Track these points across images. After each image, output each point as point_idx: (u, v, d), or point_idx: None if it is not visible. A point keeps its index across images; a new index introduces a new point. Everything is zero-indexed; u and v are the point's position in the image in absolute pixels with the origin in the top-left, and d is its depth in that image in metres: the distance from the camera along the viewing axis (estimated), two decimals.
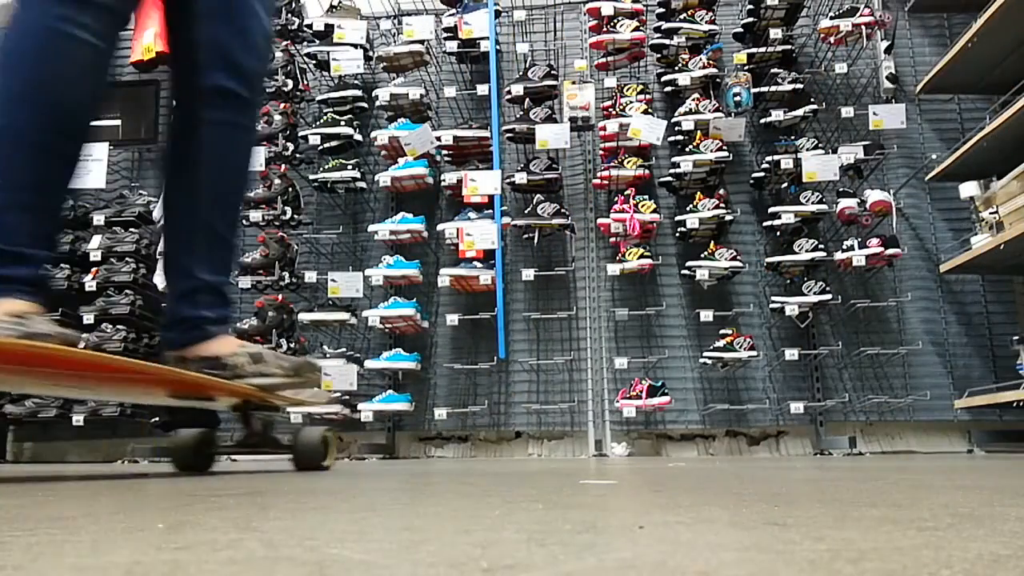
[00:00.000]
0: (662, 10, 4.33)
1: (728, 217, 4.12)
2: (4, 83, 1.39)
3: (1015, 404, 3.55)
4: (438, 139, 4.30)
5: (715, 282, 4.17)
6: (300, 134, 4.50)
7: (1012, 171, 3.56)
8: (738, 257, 4.08)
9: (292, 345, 4.31)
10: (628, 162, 4.21)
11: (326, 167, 4.44)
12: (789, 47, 4.28)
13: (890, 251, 3.94)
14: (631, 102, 4.23)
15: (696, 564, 0.48)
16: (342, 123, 4.45)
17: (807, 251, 4.03)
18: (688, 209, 4.14)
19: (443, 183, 4.47)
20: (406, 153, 4.26)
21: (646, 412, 4.11)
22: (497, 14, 4.48)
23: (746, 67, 4.27)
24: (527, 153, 4.49)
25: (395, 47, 4.46)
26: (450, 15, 4.48)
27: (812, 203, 4.03)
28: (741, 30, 4.35)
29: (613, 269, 4.15)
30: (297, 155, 4.49)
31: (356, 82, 4.63)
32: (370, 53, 4.60)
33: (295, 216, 4.39)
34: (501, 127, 4.34)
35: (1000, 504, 0.89)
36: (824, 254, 4.02)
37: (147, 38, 4.72)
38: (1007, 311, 4.24)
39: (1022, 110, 3.26)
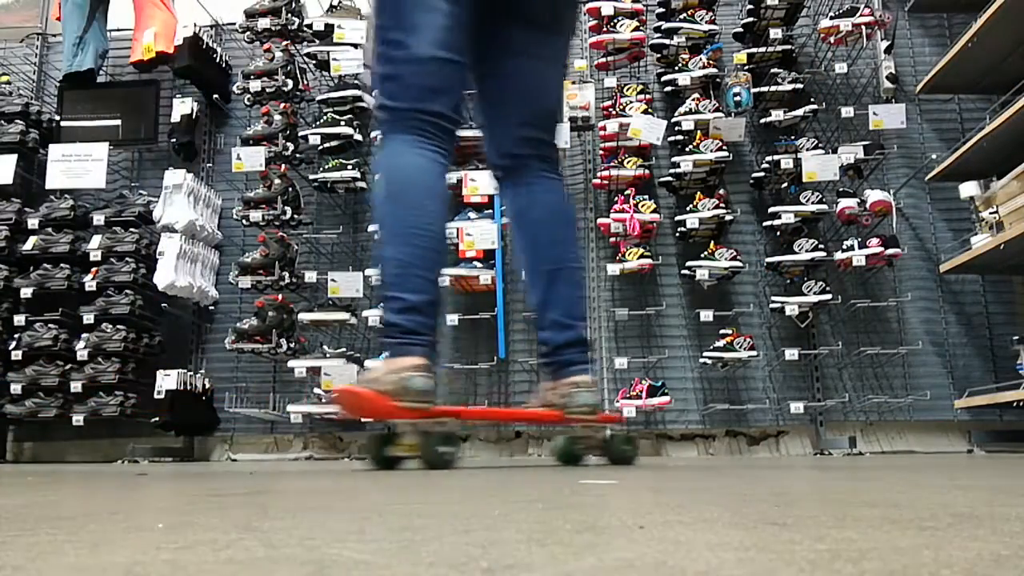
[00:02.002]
0: (662, 10, 4.32)
1: (728, 217, 4.11)
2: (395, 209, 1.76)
3: (1015, 404, 3.55)
4: None
5: (715, 282, 4.17)
6: (300, 134, 4.49)
7: (1012, 171, 3.56)
8: (738, 257, 4.07)
9: (292, 345, 4.31)
10: (628, 162, 4.21)
11: (326, 167, 4.44)
12: (789, 47, 4.27)
13: (890, 251, 3.94)
14: (631, 102, 4.22)
15: (696, 564, 0.48)
16: (342, 123, 4.45)
17: (807, 251, 4.02)
18: (688, 209, 4.14)
19: None
20: None
21: (646, 412, 4.10)
22: None
23: (746, 67, 4.27)
24: None
25: None
26: None
27: (812, 203, 4.03)
28: (741, 30, 4.35)
29: (613, 269, 4.14)
30: (297, 155, 4.49)
31: (356, 82, 4.62)
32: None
33: (295, 216, 4.39)
34: None
35: (1000, 504, 0.89)
36: (824, 254, 4.01)
37: (147, 38, 4.72)
38: (1007, 311, 4.24)
39: (1022, 110, 3.26)
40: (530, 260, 1.98)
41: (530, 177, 1.97)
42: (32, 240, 4.52)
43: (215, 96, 4.70)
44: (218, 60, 4.90)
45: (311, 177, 4.47)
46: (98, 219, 4.53)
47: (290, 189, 4.39)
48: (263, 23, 4.57)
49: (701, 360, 4.11)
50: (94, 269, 4.43)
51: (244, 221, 4.37)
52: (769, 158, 4.15)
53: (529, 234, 1.98)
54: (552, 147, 2.04)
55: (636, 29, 4.25)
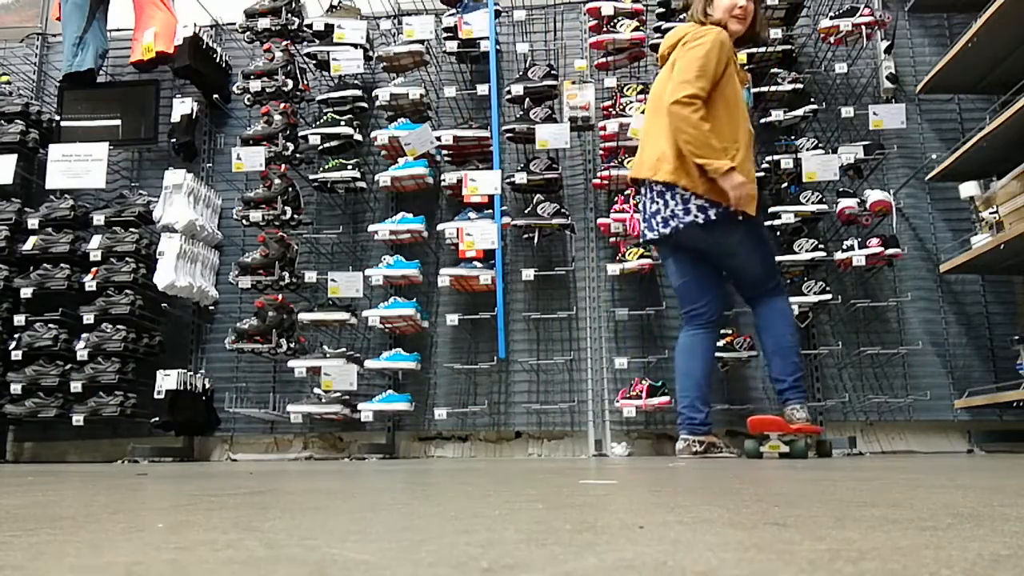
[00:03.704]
0: (662, 10, 4.32)
1: None
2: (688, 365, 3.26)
3: (1015, 404, 3.55)
4: (438, 139, 4.30)
5: None
6: (300, 134, 4.49)
7: (1012, 171, 3.56)
8: None
9: (292, 345, 4.31)
10: (628, 162, 4.20)
11: (326, 167, 4.44)
12: (789, 47, 4.27)
13: (890, 251, 3.93)
14: (631, 102, 4.22)
15: (696, 564, 0.48)
16: (342, 123, 4.45)
17: (807, 251, 4.02)
18: None
19: (443, 183, 4.47)
20: (406, 153, 4.26)
21: (646, 412, 4.10)
22: (497, 14, 4.48)
23: (746, 67, 4.27)
24: (527, 153, 4.49)
25: (395, 47, 4.46)
26: (450, 15, 4.48)
27: (812, 203, 4.03)
28: None
29: (613, 269, 4.14)
30: (297, 155, 4.49)
31: (356, 82, 4.63)
32: (370, 53, 4.60)
33: (295, 216, 4.39)
34: (501, 127, 4.34)
35: (1000, 504, 0.89)
36: (824, 254, 4.01)
37: (147, 38, 4.72)
38: (1007, 311, 4.23)
39: (1022, 110, 3.26)
40: (762, 342, 3.29)
41: (760, 303, 3.27)
42: (32, 240, 4.52)
43: (215, 96, 4.70)
44: (218, 60, 4.90)
45: (311, 177, 4.47)
46: (98, 219, 4.53)
47: (290, 189, 4.39)
48: (263, 23, 4.57)
49: None
50: (94, 269, 4.44)
51: (244, 221, 4.37)
52: (769, 158, 4.15)
53: (762, 331, 3.28)
54: (769, 283, 3.27)
55: (636, 29, 4.25)
